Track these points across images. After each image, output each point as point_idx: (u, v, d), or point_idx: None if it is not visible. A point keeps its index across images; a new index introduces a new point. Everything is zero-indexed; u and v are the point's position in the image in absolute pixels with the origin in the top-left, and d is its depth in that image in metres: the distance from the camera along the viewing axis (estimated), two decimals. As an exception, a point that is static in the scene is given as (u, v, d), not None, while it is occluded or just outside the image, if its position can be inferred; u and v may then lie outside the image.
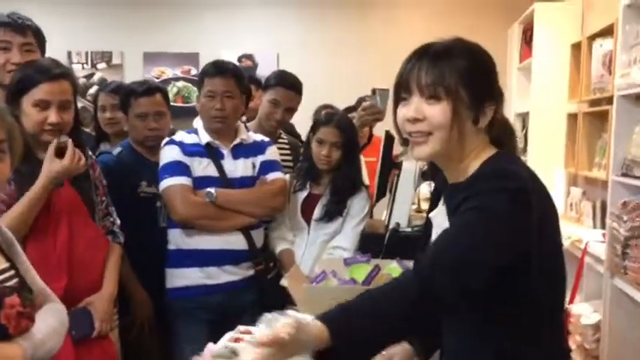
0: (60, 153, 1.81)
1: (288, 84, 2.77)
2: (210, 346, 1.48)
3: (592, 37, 3.29)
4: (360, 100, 3.12)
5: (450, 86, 1.16)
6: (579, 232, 3.08)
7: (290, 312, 1.14)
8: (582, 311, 2.77)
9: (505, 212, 1.11)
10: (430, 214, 1.45)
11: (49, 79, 1.81)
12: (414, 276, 1.18)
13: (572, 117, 3.57)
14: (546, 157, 3.89)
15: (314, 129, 2.45)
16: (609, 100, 2.85)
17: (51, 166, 1.79)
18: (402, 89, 1.22)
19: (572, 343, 2.78)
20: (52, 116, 1.80)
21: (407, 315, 1.15)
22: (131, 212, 2.19)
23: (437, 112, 1.17)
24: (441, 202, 1.33)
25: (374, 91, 2.60)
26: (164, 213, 2.38)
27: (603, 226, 2.85)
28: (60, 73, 1.85)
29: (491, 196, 1.13)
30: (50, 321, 1.38)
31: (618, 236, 2.40)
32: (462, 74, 1.16)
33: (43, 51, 2.12)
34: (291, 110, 2.80)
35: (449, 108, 1.16)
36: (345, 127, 2.41)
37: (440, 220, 1.30)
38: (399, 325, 1.17)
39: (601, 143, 3.23)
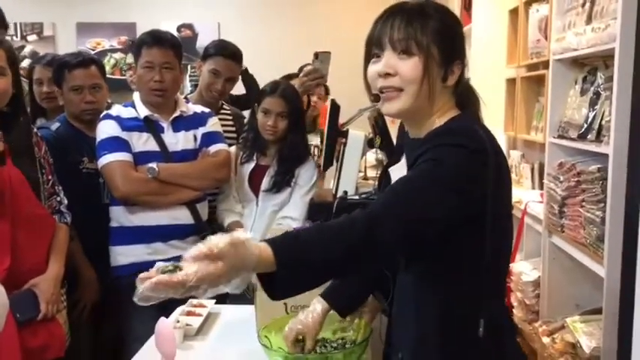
0: None
1: (228, 53, 2.72)
2: (163, 320, 1.47)
3: (528, 3, 3.34)
4: (302, 68, 3.10)
5: (422, 42, 1.19)
6: (519, 194, 3.17)
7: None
8: (522, 269, 2.87)
9: (461, 166, 1.13)
10: (390, 168, 1.46)
11: None
12: (362, 220, 1.10)
13: (511, 82, 3.64)
14: (487, 121, 3.95)
15: (259, 99, 2.42)
16: (545, 65, 2.91)
17: None
18: (374, 45, 1.24)
19: (514, 299, 2.89)
20: None
21: (349, 257, 1.08)
22: (74, 189, 2.12)
23: (409, 66, 1.20)
24: (403, 158, 1.36)
25: (316, 55, 2.58)
26: (107, 189, 2.32)
27: (542, 187, 2.94)
28: None
29: (449, 150, 1.14)
30: None
31: (555, 196, 2.48)
32: (434, 32, 1.20)
33: None
34: (233, 80, 2.75)
35: (420, 63, 1.19)
36: (290, 97, 2.39)
37: (398, 174, 1.31)
38: (343, 264, 1.09)
39: (538, 107, 3.32)
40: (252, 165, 2.45)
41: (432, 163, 1.14)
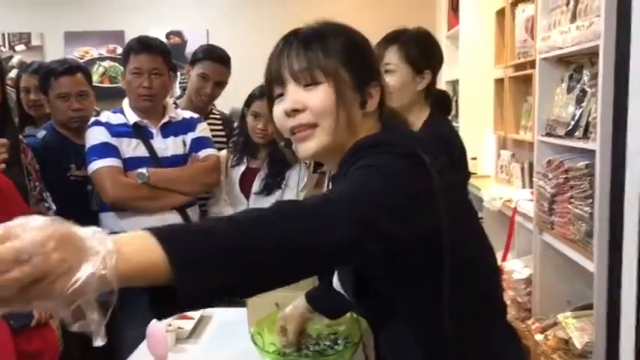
0: None
1: (216, 57, 2.72)
2: (154, 323, 1.47)
3: (515, 3, 3.38)
4: None
5: (327, 66, 1.01)
6: (510, 193, 3.20)
7: None
8: (514, 267, 2.88)
9: (400, 171, 0.91)
10: None
11: None
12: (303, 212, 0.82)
13: (499, 82, 3.67)
14: (477, 122, 4.01)
15: (248, 103, 2.43)
16: (532, 64, 2.94)
17: None
18: (274, 83, 1.05)
19: (506, 298, 2.90)
20: None
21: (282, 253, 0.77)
22: (61, 197, 2.11)
23: (318, 96, 1.01)
24: None
25: None
26: (96, 196, 2.31)
27: (532, 186, 2.96)
28: None
29: (377, 157, 0.93)
30: None
31: (545, 193, 2.50)
32: (339, 52, 1.02)
33: None
34: (221, 84, 2.75)
35: (331, 90, 1.01)
36: None
37: None
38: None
39: (527, 106, 3.34)
40: (242, 168, 2.45)
41: (360, 171, 0.92)
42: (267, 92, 1.08)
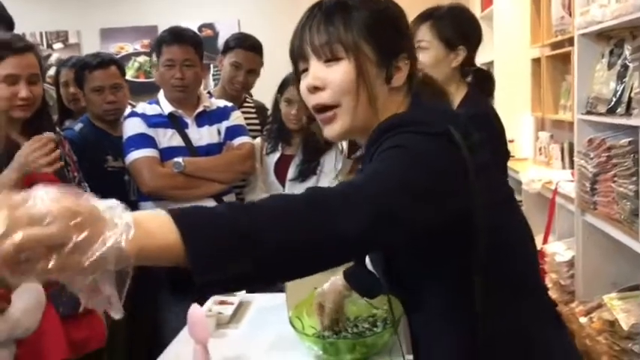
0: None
1: (248, 45, 2.72)
2: (194, 307, 1.48)
3: (551, -20, 3.29)
4: None
5: (348, 41, 0.96)
6: (549, 175, 3.13)
7: None
8: (556, 249, 2.83)
9: (426, 151, 0.87)
10: None
11: (15, 53, 1.74)
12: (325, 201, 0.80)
13: (536, 62, 3.58)
14: (514, 104, 3.92)
15: (281, 89, 2.43)
16: (570, 42, 2.86)
17: (25, 153, 1.72)
18: (299, 59, 1.02)
19: (549, 281, 2.84)
20: (23, 91, 1.74)
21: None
22: (100, 188, 2.14)
23: (337, 73, 0.97)
24: None
25: None
26: (133, 186, 2.35)
27: (572, 167, 2.89)
28: (25, 46, 1.79)
29: (402, 136, 0.91)
30: (27, 301, 1.38)
31: (586, 173, 2.44)
32: (362, 25, 0.97)
33: None
34: (254, 72, 2.75)
35: (351, 67, 0.96)
36: None
37: None
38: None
39: (565, 85, 3.26)
40: (277, 155, 2.45)
41: (386, 153, 0.89)
42: (293, 69, 1.04)
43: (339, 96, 0.98)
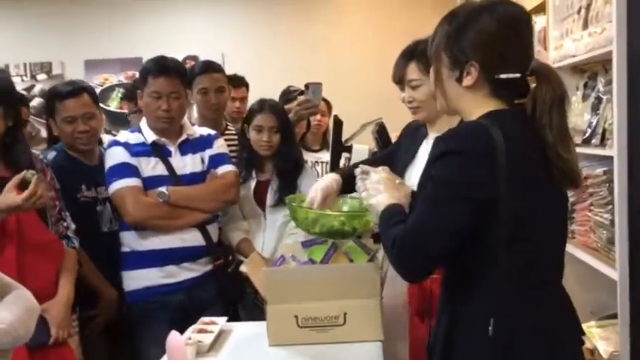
0: (25, 185, 1.76)
1: (207, 68, 2.78)
2: (173, 334, 1.48)
3: (526, 15, 3.39)
4: (285, 92, 3.17)
5: (432, 53, 1.31)
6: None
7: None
8: (536, 279, 2.85)
9: (449, 177, 1.18)
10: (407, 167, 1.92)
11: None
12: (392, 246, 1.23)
13: (514, 94, 3.66)
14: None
15: (249, 119, 2.49)
16: (546, 74, 2.93)
17: (6, 197, 1.73)
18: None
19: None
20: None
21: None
22: (72, 218, 2.10)
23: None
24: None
25: (307, 87, 2.64)
26: (105, 217, 2.35)
27: (550, 196, 2.93)
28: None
29: (441, 163, 1.20)
30: (15, 310, 1.35)
31: (564, 203, 2.48)
32: (444, 36, 1.27)
33: None
34: (222, 90, 2.79)
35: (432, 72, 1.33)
36: (278, 111, 2.48)
37: (416, 172, 1.57)
38: None
39: (543, 117, 3.33)
40: (253, 183, 2.49)
41: (430, 184, 1.21)
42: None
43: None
